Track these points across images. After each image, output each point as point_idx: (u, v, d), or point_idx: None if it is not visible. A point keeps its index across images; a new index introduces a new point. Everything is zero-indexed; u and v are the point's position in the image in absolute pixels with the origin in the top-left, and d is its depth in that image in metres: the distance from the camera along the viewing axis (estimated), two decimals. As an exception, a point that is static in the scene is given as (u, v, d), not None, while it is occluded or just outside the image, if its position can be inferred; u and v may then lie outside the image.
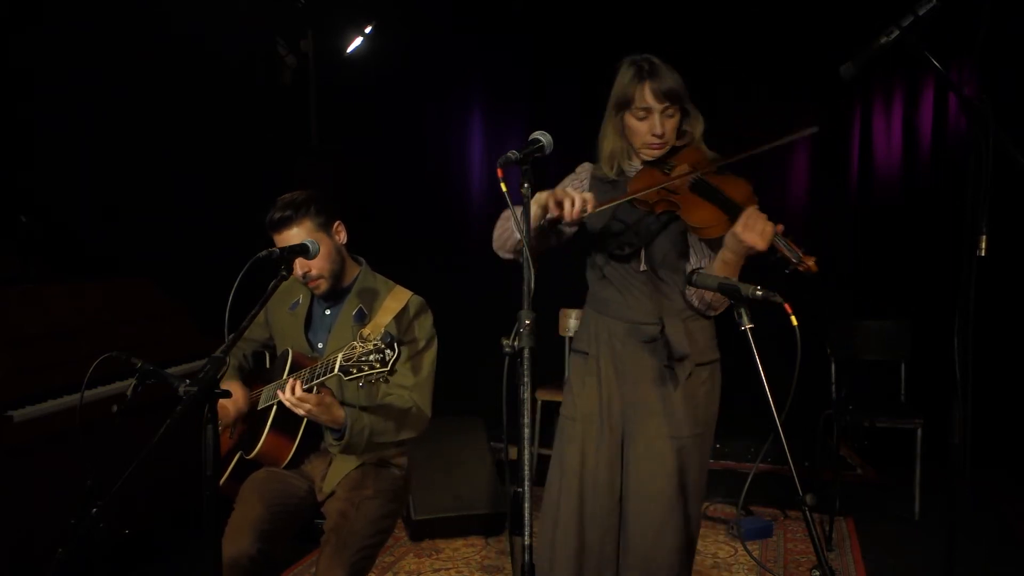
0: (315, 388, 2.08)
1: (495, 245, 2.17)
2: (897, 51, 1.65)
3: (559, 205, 1.92)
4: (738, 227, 1.89)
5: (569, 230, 2.16)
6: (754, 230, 1.87)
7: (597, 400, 2.17)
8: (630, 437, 2.15)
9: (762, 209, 1.94)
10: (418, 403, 2.28)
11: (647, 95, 2.04)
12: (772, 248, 1.92)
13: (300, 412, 2.08)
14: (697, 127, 2.14)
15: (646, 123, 2.07)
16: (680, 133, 2.13)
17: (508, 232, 2.11)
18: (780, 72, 4.60)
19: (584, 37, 4.87)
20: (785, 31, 4.59)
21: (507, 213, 2.10)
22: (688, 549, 2.19)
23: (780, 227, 1.90)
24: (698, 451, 2.15)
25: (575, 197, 1.89)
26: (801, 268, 1.88)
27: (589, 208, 1.91)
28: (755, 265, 2.04)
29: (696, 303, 2.11)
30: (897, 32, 1.64)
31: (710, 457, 2.22)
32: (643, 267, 2.12)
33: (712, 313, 2.14)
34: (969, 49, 4.26)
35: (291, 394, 2.05)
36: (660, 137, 2.07)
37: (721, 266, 1.98)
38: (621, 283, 2.16)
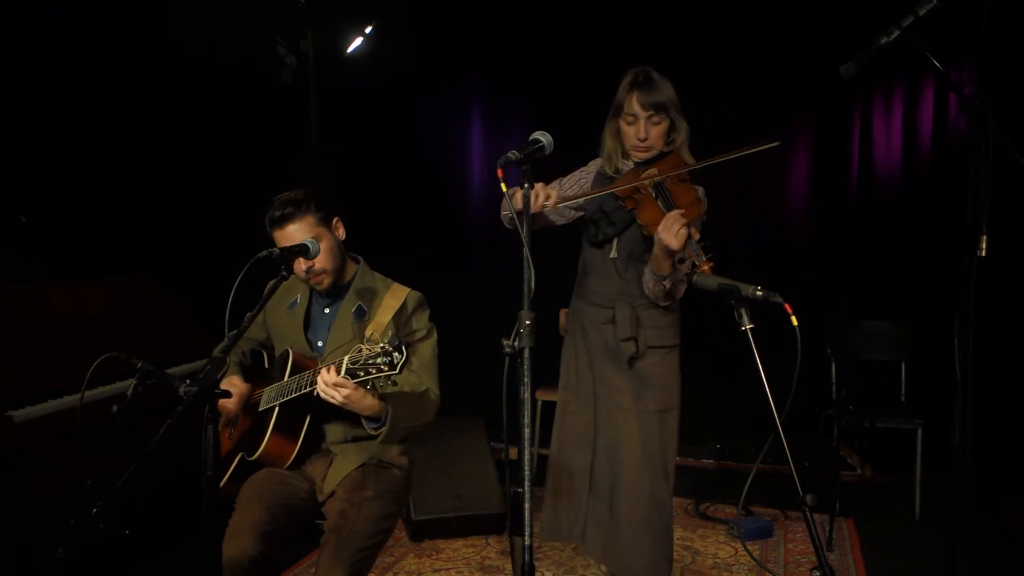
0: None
1: (502, 215, 2.42)
2: (897, 51, 1.65)
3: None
4: (659, 227, 2.15)
5: (556, 218, 2.46)
6: (670, 231, 2.12)
7: (574, 373, 2.53)
8: (599, 407, 2.46)
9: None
10: (428, 385, 2.30)
11: (634, 103, 2.31)
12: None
13: (337, 399, 2.05)
14: (680, 136, 2.38)
15: (633, 128, 2.34)
16: (669, 140, 2.38)
17: (504, 212, 2.40)
18: (780, 72, 4.60)
19: (584, 37, 4.86)
20: (785, 31, 4.58)
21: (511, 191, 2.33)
22: (647, 514, 2.34)
23: (695, 232, 2.15)
24: (659, 427, 2.39)
25: (540, 192, 2.12)
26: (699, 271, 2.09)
27: (550, 204, 2.15)
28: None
29: (646, 292, 2.37)
30: (897, 32, 1.64)
31: (681, 440, 2.48)
32: (613, 254, 2.42)
33: (661, 303, 2.38)
34: (969, 49, 4.25)
35: (323, 384, 2.04)
36: (643, 141, 2.33)
37: (654, 259, 2.26)
38: (595, 270, 2.47)
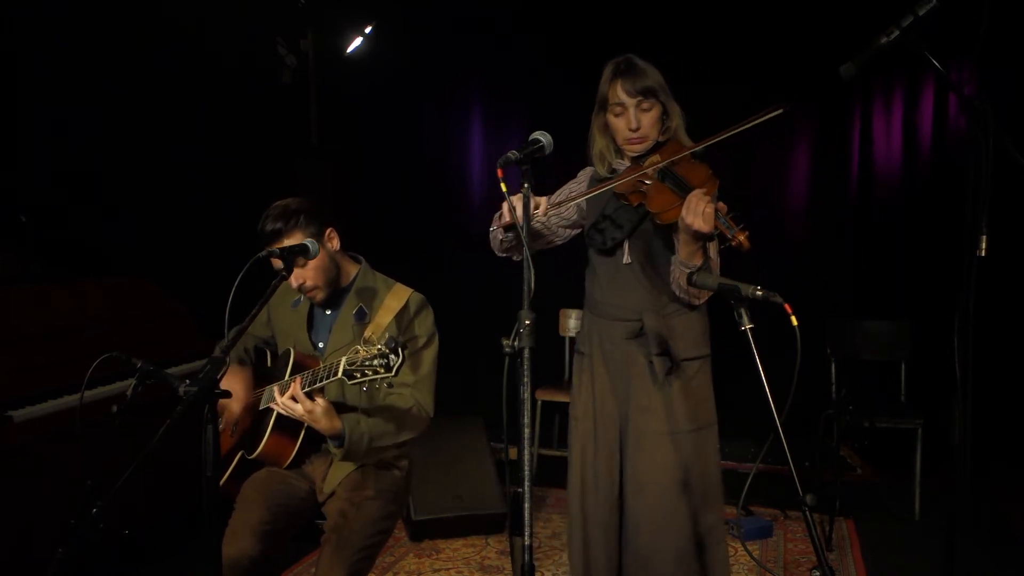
0: (313, 393, 2.09)
1: (493, 243, 2.27)
2: (897, 51, 1.65)
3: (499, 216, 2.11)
4: (683, 210, 1.95)
5: (551, 237, 2.30)
6: (695, 212, 1.92)
7: (591, 398, 2.23)
8: (625, 433, 2.19)
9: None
10: (419, 401, 2.27)
11: (619, 91, 2.12)
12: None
13: (297, 412, 2.08)
14: (674, 120, 2.18)
15: (623, 119, 2.14)
16: (664, 129, 2.18)
17: (492, 238, 2.25)
18: (780, 72, 4.60)
19: (584, 37, 4.86)
20: (785, 31, 4.59)
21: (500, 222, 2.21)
22: (693, 550, 2.14)
23: (722, 206, 1.96)
24: (698, 448, 2.15)
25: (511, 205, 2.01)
26: (733, 243, 1.94)
27: (539, 212, 2.02)
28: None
29: (678, 293, 2.13)
30: (897, 32, 1.64)
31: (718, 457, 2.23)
32: (627, 259, 2.18)
33: (696, 302, 2.15)
34: (969, 49, 4.26)
35: (283, 397, 2.07)
36: (636, 131, 2.13)
37: (682, 247, 2.03)
38: (608, 280, 2.22)
